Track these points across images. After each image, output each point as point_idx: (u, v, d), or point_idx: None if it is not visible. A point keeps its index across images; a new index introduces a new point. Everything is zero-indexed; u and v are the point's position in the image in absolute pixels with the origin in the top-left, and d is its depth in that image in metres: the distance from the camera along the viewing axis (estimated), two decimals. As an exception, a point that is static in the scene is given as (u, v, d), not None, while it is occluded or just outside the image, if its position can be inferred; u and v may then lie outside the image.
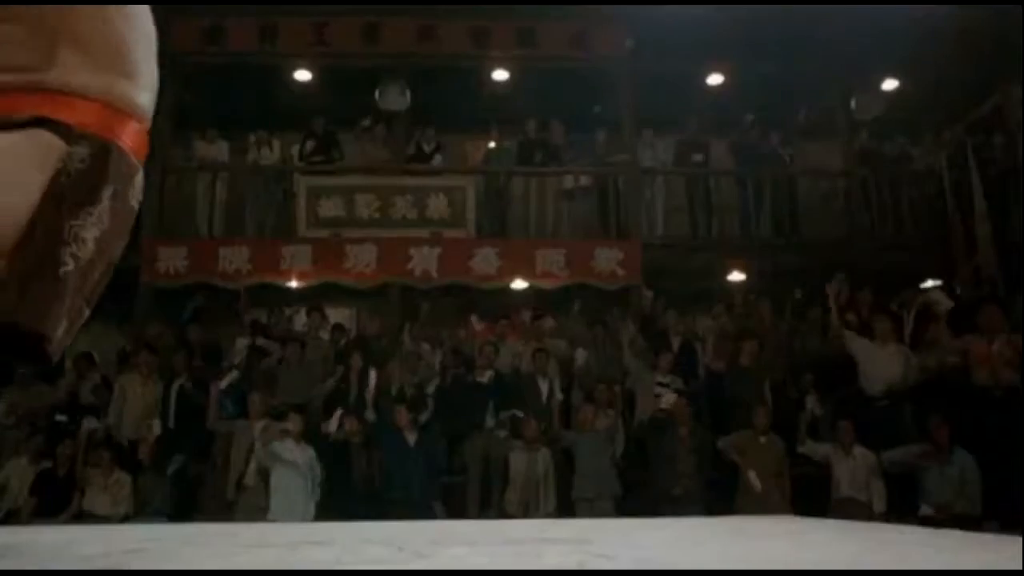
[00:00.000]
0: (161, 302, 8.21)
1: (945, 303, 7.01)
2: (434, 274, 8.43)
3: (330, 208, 8.69)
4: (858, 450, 6.04)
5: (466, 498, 6.45)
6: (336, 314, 8.40)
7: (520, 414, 6.68)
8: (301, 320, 8.34)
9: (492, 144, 9.76)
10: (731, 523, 2.99)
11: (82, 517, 6.02)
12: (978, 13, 7.82)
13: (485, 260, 8.50)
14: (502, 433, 6.67)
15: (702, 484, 6.21)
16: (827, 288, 7.03)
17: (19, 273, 1.24)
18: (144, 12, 1.49)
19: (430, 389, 7.00)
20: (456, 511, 6.22)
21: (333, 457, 6.18)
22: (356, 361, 6.99)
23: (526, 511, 6.11)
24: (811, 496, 5.94)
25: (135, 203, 1.40)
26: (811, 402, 6.85)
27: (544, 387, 6.93)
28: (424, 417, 6.72)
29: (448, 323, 8.17)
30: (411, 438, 6.29)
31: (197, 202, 8.99)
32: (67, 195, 1.26)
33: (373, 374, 6.94)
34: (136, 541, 1.83)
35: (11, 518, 6.03)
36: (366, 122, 9.20)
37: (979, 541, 2.00)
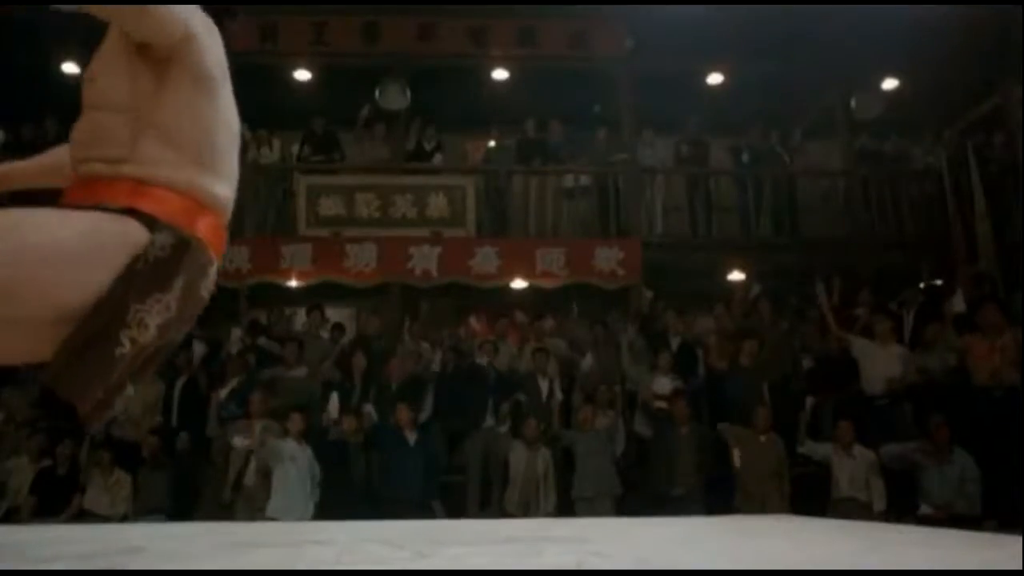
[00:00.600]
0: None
1: (961, 306, 7.01)
2: (434, 273, 8.43)
3: (330, 207, 8.69)
4: (858, 449, 6.04)
5: (466, 497, 6.45)
6: (336, 313, 8.40)
7: (523, 398, 6.72)
8: (301, 319, 8.34)
9: (492, 143, 9.75)
10: (731, 523, 2.99)
11: (82, 516, 6.03)
12: (978, 13, 7.82)
13: (485, 259, 8.50)
14: (503, 428, 6.67)
15: (702, 484, 6.21)
16: (818, 300, 7.04)
17: (76, 344, 1.28)
18: (230, 106, 1.55)
19: (430, 381, 7.01)
20: (456, 510, 6.22)
21: (333, 456, 6.18)
22: (359, 361, 7.01)
23: (526, 510, 6.11)
24: (811, 495, 5.94)
25: (206, 294, 1.45)
26: (808, 405, 6.85)
27: (544, 386, 6.93)
28: (424, 416, 6.72)
29: (448, 322, 8.17)
30: (411, 437, 6.29)
31: (197, 201, 8.96)
32: (139, 280, 1.31)
33: (375, 372, 6.98)
34: (136, 540, 1.83)
35: (11, 517, 6.03)
36: (365, 111, 9.17)
37: (978, 540, 2.00)
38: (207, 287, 1.45)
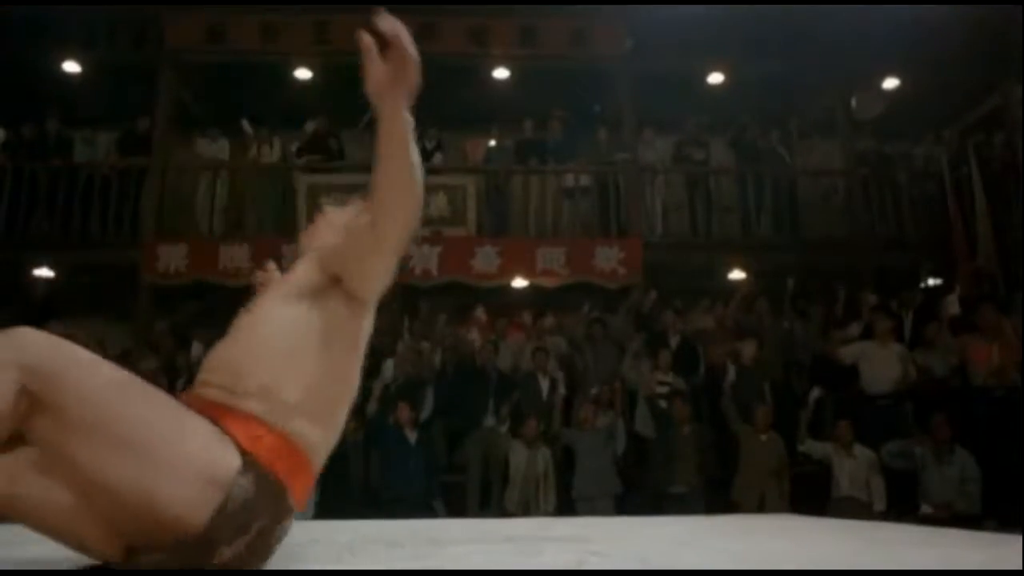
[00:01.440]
0: (162, 301, 8.19)
1: (956, 308, 7.01)
2: (434, 272, 8.41)
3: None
4: (858, 449, 6.03)
5: (466, 497, 6.45)
6: (336, 312, 8.39)
7: (521, 391, 6.72)
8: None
9: (492, 142, 9.75)
10: (731, 522, 3.00)
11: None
12: (978, 13, 7.81)
13: (485, 258, 8.49)
14: (503, 427, 6.66)
15: (702, 483, 6.21)
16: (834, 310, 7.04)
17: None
18: (359, 367, 1.56)
19: (431, 380, 7.00)
20: (456, 509, 6.21)
21: (332, 455, 6.15)
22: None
23: (526, 509, 6.11)
24: (811, 495, 5.94)
25: (275, 543, 1.41)
26: (811, 400, 6.84)
27: (544, 385, 6.92)
28: (424, 415, 6.72)
29: (448, 321, 8.16)
30: (412, 436, 6.29)
31: (198, 201, 8.98)
32: (228, 522, 1.28)
33: (382, 366, 6.98)
34: (137, 539, 1.82)
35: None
36: (366, 120, 9.19)
37: (979, 540, 2.00)
38: (277, 537, 1.41)
